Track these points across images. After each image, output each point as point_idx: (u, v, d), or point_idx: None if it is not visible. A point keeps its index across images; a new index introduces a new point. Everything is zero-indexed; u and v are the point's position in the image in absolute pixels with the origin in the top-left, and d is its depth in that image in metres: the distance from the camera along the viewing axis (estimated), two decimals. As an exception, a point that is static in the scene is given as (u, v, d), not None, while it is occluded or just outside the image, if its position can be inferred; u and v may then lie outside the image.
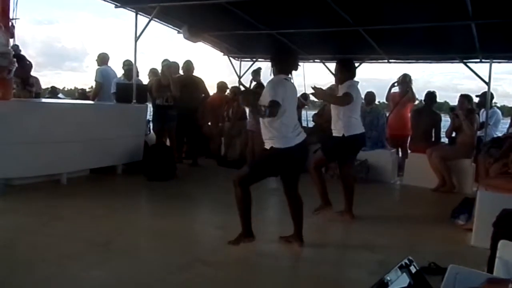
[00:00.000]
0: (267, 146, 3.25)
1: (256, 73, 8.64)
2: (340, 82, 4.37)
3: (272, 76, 3.37)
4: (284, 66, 3.35)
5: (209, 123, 8.41)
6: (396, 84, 7.44)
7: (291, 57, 3.48)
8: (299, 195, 3.47)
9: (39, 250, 3.15)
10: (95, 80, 7.19)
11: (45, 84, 7.71)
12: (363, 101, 5.60)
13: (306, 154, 3.46)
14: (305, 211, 3.54)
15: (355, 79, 4.34)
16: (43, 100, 6.79)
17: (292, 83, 3.41)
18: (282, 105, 3.09)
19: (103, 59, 7.35)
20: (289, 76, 3.39)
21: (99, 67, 7.25)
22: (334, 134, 4.32)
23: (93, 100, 7.14)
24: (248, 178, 3.30)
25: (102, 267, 2.94)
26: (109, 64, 7.40)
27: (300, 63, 8.78)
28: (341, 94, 4.23)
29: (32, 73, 6.22)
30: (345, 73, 4.32)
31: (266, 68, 8.70)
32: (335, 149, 4.34)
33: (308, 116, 8.74)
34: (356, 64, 8.09)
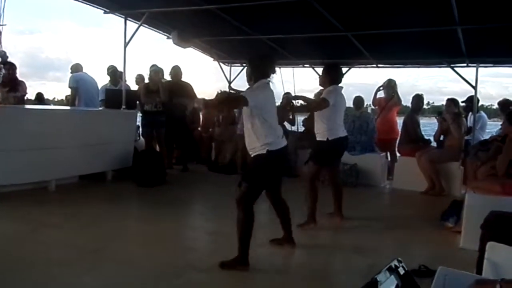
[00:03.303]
0: (260, 152, 3.10)
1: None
2: (323, 86, 4.40)
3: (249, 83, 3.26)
4: (263, 71, 3.22)
5: (199, 128, 8.41)
6: (381, 88, 7.53)
7: (268, 61, 3.33)
8: (283, 198, 3.46)
9: (28, 257, 3.11)
10: (69, 87, 7.16)
11: (30, 95, 7.63)
12: (351, 106, 5.64)
13: (286, 158, 3.51)
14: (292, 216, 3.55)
15: (341, 84, 4.36)
16: (31, 106, 6.72)
17: (271, 89, 3.31)
18: (268, 108, 3.12)
19: (76, 68, 7.36)
20: (269, 80, 3.25)
21: (72, 74, 7.23)
22: (318, 138, 4.30)
23: (71, 106, 7.10)
24: (250, 193, 3.11)
25: (92, 274, 2.92)
26: (95, 72, 7.42)
27: (290, 68, 8.94)
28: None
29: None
30: (328, 77, 4.33)
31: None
32: (322, 154, 4.30)
33: (299, 121, 8.77)
34: (345, 69, 8.23)
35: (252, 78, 3.21)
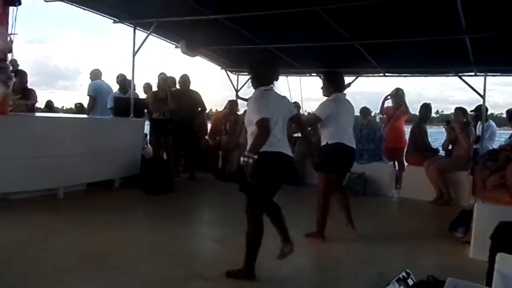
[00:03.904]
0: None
1: None
2: (325, 96, 4.26)
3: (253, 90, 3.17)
4: (263, 77, 3.13)
5: (206, 136, 8.44)
6: (389, 97, 7.52)
7: (269, 67, 3.26)
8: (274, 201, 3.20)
9: (35, 265, 3.13)
10: (88, 95, 7.25)
11: (39, 103, 7.71)
12: (358, 115, 5.57)
13: (291, 168, 3.30)
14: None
15: (348, 92, 4.31)
16: (40, 114, 6.80)
17: (276, 92, 3.19)
18: (271, 116, 2.94)
19: (96, 75, 7.42)
20: (271, 86, 3.15)
21: (92, 81, 7.31)
22: (321, 145, 4.19)
23: (88, 114, 7.17)
24: (258, 200, 3.03)
25: (100, 282, 2.92)
26: (105, 80, 7.47)
27: (297, 77, 8.96)
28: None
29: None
30: (328, 86, 4.22)
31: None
32: (324, 159, 4.08)
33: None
34: (353, 78, 8.25)
35: (253, 85, 3.14)
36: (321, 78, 4.43)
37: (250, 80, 3.20)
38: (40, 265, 3.13)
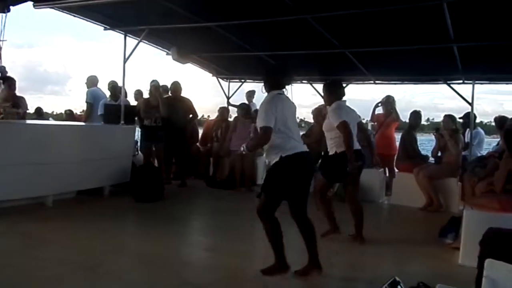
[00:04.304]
0: (275, 160, 3.15)
1: (250, 95, 8.78)
2: (327, 104, 4.40)
3: (265, 94, 3.36)
4: (274, 81, 3.34)
5: (197, 143, 8.42)
6: (379, 105, 7.58)
7: (280, 73, 3.48)
8: (308, 218, 3.27)
9: (24, 274, 3.09)
10: (86, 102, 7.20)
11: (28, 109, 7.65)
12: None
13: (313, 167, 3.47)
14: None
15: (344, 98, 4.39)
16: (30, 121, 6.74)
17: (287, 97, 3.41)
18: (281, 118, 3.12)
19: (92, 81, 7.37)
20: (282, 90, 3.36)
21: (89, 88, 7.27)
22: (330, 153, 4.29)
23: (85, 121, 7.13)
24: (268, 202, 3.15)
25: (89, 291, 2.89)
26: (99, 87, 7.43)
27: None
28: (329, 119, 4.22)
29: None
30: (329, 95, 4.34)
31: (258, 90, 8.82)
32: (333, 168, 4.25)
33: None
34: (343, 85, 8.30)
35: (266, 88, 3.35)
36: (322, 89, 4.49)
37: (264, 85, 3.40)
38: (28, 274, 3.08)
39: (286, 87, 3.38)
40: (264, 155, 3.11)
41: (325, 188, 4.38)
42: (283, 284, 3.32)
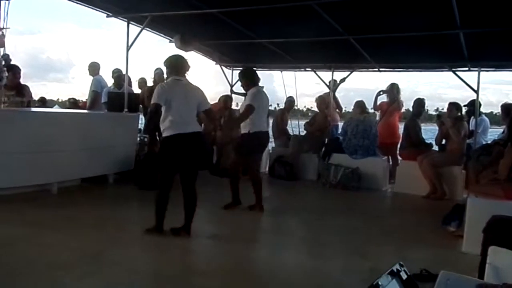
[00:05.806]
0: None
1: None
2: (245, 90, 4.90)
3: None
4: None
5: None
6: (382, 93, 7.53)
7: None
8: (195, 189, 3.91)
9: (29, 260, 3.11)
10: (92, 90, 7.17)
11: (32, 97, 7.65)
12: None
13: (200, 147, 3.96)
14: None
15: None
16: (34, 109, 6.74)
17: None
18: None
19: (94, 68, 7.33)
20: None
21: (94, 76, 7.24)
22: (242, 132, 4.83)
23: (89, 109, 7.11)
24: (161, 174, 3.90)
25: (94, 277, 2.91)
26: (101, 75, 7.40)
27: (292, 72, 8.94)
28: (244, 104, 4.77)
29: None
30: (247, 81, 4.85)
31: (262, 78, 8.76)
32: (244, 145, 4.82)
33: (300, 125, 8.80)
34: (347, 73, 8.26)
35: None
36: (239, 75, 5.11)
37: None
38: (33, 260, 3.11)
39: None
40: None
41: (237, 165, 4.97)
42: (288, 268, 3.34)
